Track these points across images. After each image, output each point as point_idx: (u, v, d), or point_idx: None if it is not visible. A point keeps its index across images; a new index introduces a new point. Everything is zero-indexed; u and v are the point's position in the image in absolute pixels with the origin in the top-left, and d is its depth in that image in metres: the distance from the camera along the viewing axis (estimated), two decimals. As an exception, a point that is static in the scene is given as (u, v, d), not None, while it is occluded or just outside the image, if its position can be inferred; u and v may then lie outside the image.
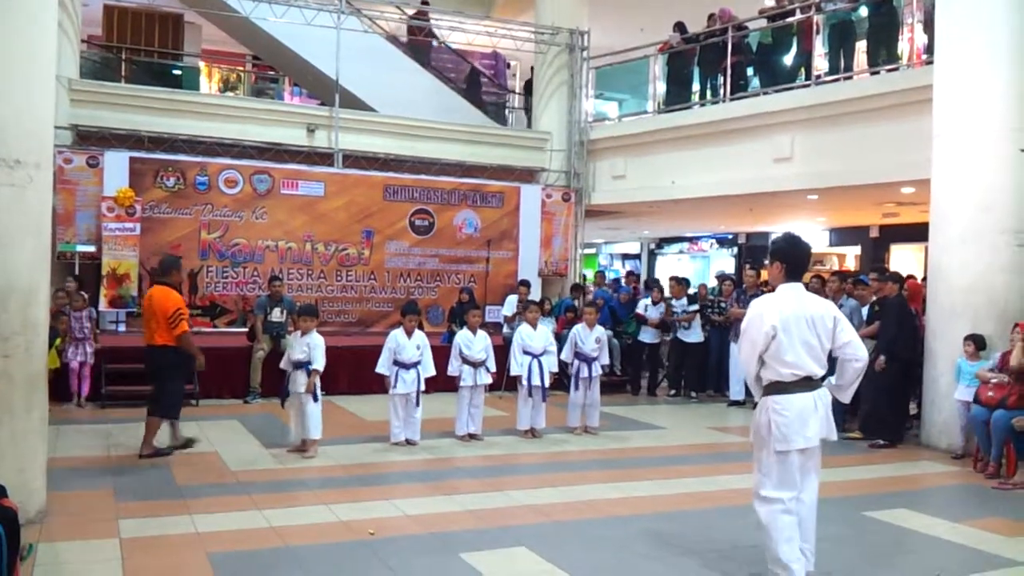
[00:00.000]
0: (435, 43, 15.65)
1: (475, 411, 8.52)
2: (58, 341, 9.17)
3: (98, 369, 9.75)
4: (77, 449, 7.50)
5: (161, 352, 7.27)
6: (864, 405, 9.05)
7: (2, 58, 5.09)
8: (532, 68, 15.45)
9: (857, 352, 4.51)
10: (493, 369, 8.69)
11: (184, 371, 7.84)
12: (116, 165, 11.39)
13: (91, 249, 11.17)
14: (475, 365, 8.47)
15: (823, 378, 4.56)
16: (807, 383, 4.45)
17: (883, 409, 8.84)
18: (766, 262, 4.99)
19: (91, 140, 11.74)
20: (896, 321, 8.77)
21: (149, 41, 15.00)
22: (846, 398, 4.70)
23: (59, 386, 9.25)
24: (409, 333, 8.14)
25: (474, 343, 8.50)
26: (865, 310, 9.41)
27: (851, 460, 8.09)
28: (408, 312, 8.28)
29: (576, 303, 12.24)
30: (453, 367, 8.47)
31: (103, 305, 10.98)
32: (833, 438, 4.59)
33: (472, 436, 8.45)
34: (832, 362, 4.63)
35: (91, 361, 9.69)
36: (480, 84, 16.17)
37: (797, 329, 4.41)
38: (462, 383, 8.46)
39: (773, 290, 4.69)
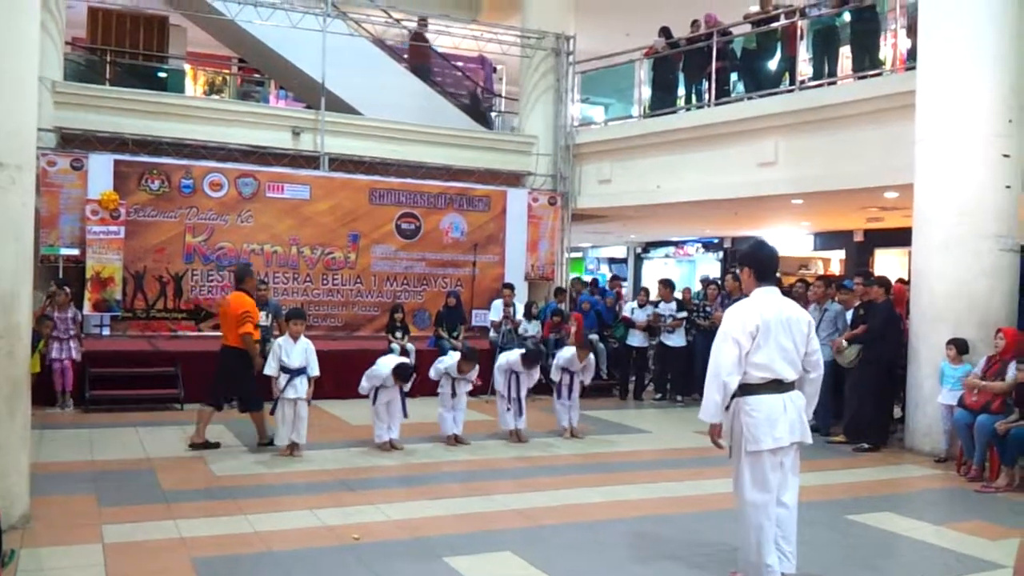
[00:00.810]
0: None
1: (458, 414, 8.50)
2: (41, 344, 9.10)
3: (82, 373, 9.68)
4: (60, 454, 7.45)
5: (235, 352, 7.79)
6: (848, 409, 9.11)
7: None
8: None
9: (819, 360, 4.69)
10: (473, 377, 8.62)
11: (252, 369, 7.92)
12: (100, 168, 11.33)
13: (75, 252, 11.11)
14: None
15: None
16: (777, 386, 4.50)
17: (867, 413, 8.88)
18: (736, 269, 5.06)
19: (75, 143, 11.67)
20: (882, 324, 8.81)
21: (134, 43, 14.94)
22: (809, 412, 4.70)
23: (41, 390, 9.18)
24: (295, 338, 7.86)
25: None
26: (849, 314, 9.46)
27: (835, 464, 8.13)
28: (292, 317, 7.98)
29: (561, 307, 12.27)
30: (435, 371, 8.54)
31: (87, 309, 10.91)
32: (808, 442, 4.63)
33: (457, 439, 8.43)
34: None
35: (76, 357, 9.60)
36: (479, 100, 16.14)
37: (774, 331, 4.48)
38: (441, 389, 8.50)
39: (747, 294, 4.75)
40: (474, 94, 16.15)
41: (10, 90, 5.25)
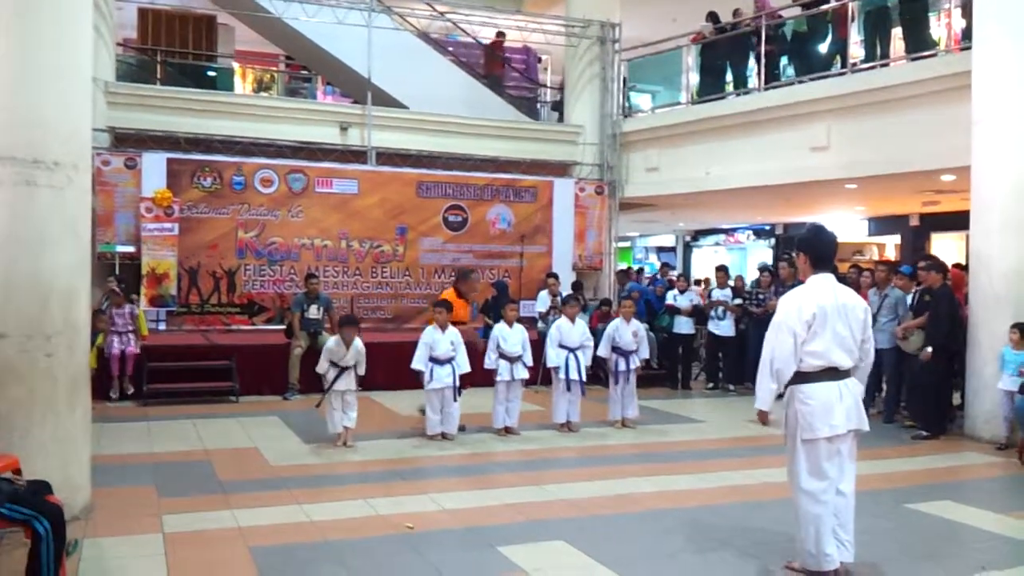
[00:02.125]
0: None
1: (512, 405, 8.50)
2: (99, 339, 9.33)
3: (139, 366, 9.89)
4: (120, 446, 7.61)
5: None
6: (912, 395, 8.96)
7: (39, 62, 5.15)
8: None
9: (871, 349, 4.62)
10: (530, 363, 8.66)
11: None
12: (154, 166, 11.54)
13: (130, 249, 11.33)
14: (512, 360, 8.45)
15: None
16: (832, 373, 4.44)
17: (929, 400, 8.70)
18: (792, 255, 4.99)
19: (128, 142, 11.90)
20: (947, 312, 8.60)
21: (183, 43, 15.16)
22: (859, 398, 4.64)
23: (100, 385, 9.40)
24: (443, 328, 8.15)
25: (510, 337, 8.48)
26: (908, 298, 9.27)
27: (892, 451, 7.98)
28: (345, 324, 8.05)
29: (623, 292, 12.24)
30: (490, 360, 8.46)
31: (143, 304, 11.13)
32: (864, 429, 4.56)
33: (509, 430, 8.45)
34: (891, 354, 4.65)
35: (136, 350, 9.85)
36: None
37: (831, 319, 4.41)
38: (499, 377, 8.43)
39: (803, 281, 4.69)
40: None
41: (66, 91, 5.34)
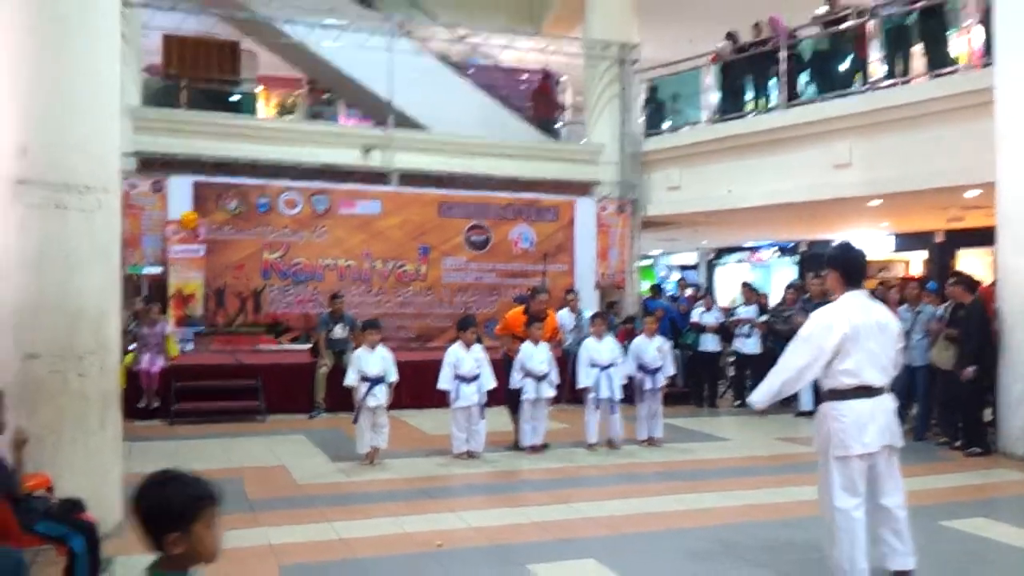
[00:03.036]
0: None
1: (538, 425, 8.46)
2: (128, 358, 9.41)
3: (167, 386, 9.96)
4: (149, 465, 7.57)
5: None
6: (945, 412, 8.86)
7: (69, 88, 5.24)
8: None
9: (898, 366, 4.58)
10: (557, 382, 8.63)
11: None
12: (180, 189, 11.69)
13: (158, 271, 11.46)
14: (538, 378, 8.42)
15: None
16: (866, 391, 4.41)
17: (966, 416, 8.61)
18: (822, 272, 4.97)
19: (154, 166, 12.06)
20: (979, 329, 8.51)
21: (208, 68, 15.38)
22: None
23: (128, 404, 9.46)
24: (468, 346, 8.18)
25: (535, 355, 8.46)
26: (941, 310, 9.20)
27: (924, 468, 7.87)
28: (466, 326, 8.31)
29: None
30: (515, 379, 8.43)
31: (171, 325, 11.22)
32: (898, 445, 4.52)
33: (535, 449, 8.42)
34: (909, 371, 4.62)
35: (163, 365, 9.99)
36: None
37: (863, 337, 4.38)
38: (524, 396, 8.39)
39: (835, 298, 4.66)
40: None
41: (96, 117, 5.43)
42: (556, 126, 16.00)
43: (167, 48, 15.11)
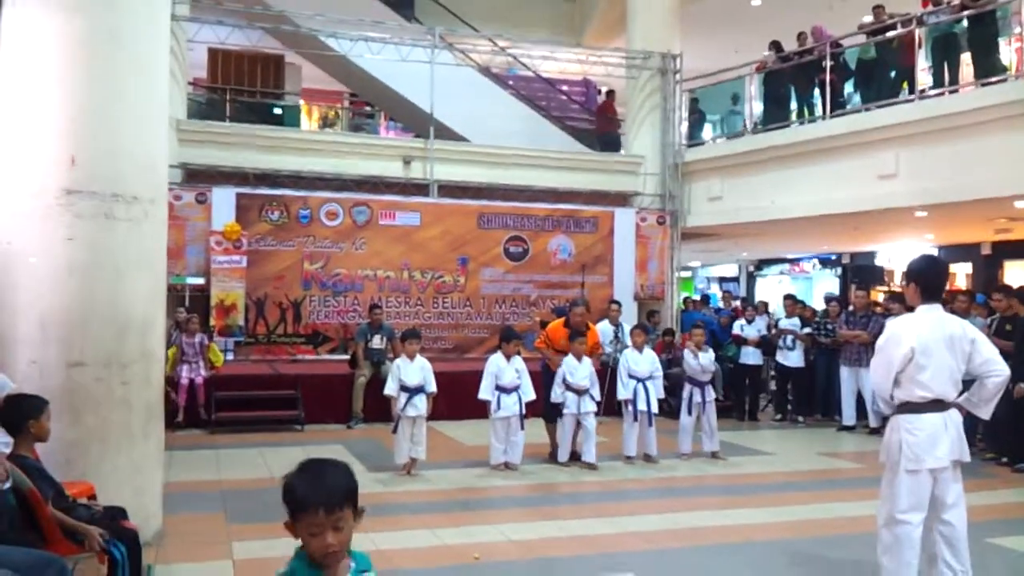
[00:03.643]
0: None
1: (587, 443, 8.26)
2: (167, 366, 9.50)
3: (208, 395, 10.07)
4: (189, 474, 7.72)
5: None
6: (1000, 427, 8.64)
7: (119, 100, 5.30)
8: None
9: (997, 367, 4.40)
10: (598, 398, 8.50)
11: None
12: (223, 201, 11.81)
13: (200, 281, 11.59)
14: (579, 392, 8.30)
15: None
16: (938, 404, 4.36)
17: (1018, 432, 8.39)
18: (903, 283, 4.90)
19: (199, 177, 12.22)
20: None
21: (252, 82, 15.61)
22: (986, 414, 4.56)
23: (167, 414, 9.57)
24: (508, 357, 8.16)
25: (578, 371, 8.32)
26: (987, 324, 9.01)
27: (971, 484, 7.63)
28: (509, 338, 8.30)
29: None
30: (556, 394, 8.32)
31: (215, 334, 11.34)
32: (966, 459, 4.44)
33: (591, 466, 8.22)
34: (968, 383, 4.48)
35: (205, 375, 10.09)
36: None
37: (935, 351, 4.33)
38: (566, 410, 8.26)
39: (912, 310, 4.61)
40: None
41: (144, 129, 5.50)
42: (615, 141, 15.99)
43: (212, 62, 15.36)
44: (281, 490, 2.17)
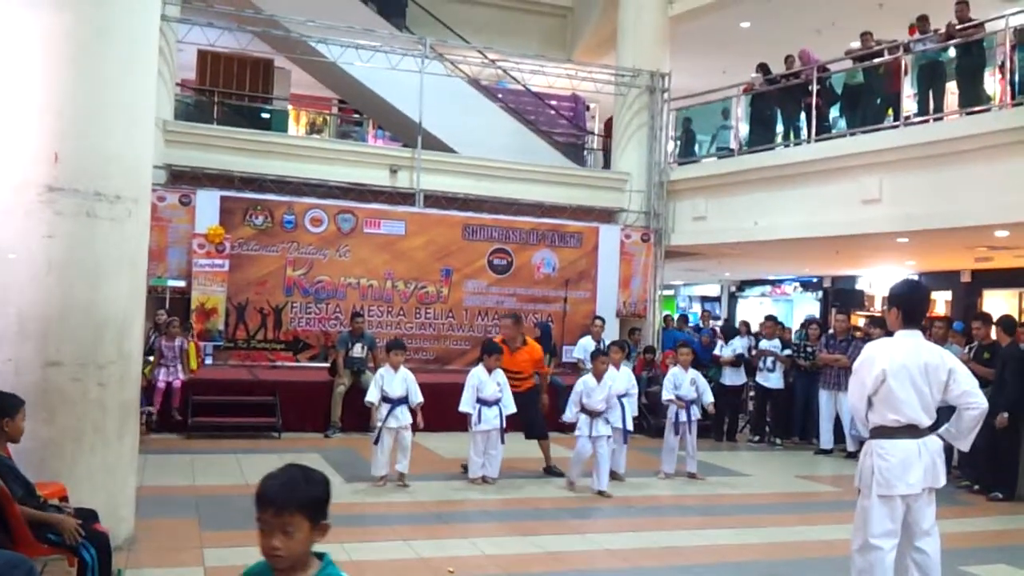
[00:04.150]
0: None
1: (600, 466, 7.86)
2: (147, 370, 9.43)
3: (185, 399, 9.97)
4: (163, 478, 7.64)
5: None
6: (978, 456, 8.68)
7: (105, 98, 5.27)
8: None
9: (974, 400, 4.39)
10: (616, 424, 8.15)
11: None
12: (207, 203, 11.74)
13: (181, 284, 11.49)
14: (593, 415, 7.91)
15: (933, 427, 4.43)
16: (912, 430, 4.36)
17: (997, 460, 8.44)
18: (885, 307, 4.93)
19: (184, 179, 12.14)
20: (1018, 373, 8.34)
21: (240, 85, 15.55)
22: (965, 446, 4.58)
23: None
24: (490, 371, 8.14)
25: (596, 391, 7.95)
26: (964, 351, 9.07)
27: (945, 511, 7.69)
28: (491, 352, 8.25)
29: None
30: (571, 414, 8.03)
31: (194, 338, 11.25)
32: (940, 485, 4.43)
33: (602, 493, 7.84)
34: (949, 411, 4.49)
35: (183, 378, 9.98)
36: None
37: (908, 376, 4.33)
38: (578, 432, 7.92)
39: (890, 334, 4.63)
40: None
41: (130, 128, 5.46)
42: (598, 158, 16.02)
43: (201, 64, 15.30)
44: (328, 493, 2.27)
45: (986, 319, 9.37)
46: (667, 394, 8.94)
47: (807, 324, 12.32)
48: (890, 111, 11.67)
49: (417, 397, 7.86)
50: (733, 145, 14.23)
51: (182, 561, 5.29)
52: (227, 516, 6.42)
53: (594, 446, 7.87)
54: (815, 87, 12.41)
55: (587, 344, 12.01)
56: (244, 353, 11.89)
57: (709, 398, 9.11)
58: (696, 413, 8.91)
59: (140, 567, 5.10)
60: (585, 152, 17.35)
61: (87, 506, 4.58)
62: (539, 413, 8.74)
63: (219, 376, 10.95)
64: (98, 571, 4.12)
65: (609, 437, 7.99)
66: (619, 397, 8.48)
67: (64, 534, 4.06)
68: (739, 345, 11.98)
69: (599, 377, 8.02)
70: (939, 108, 11.06)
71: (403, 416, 7.73)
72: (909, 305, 4.55)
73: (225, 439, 9.64)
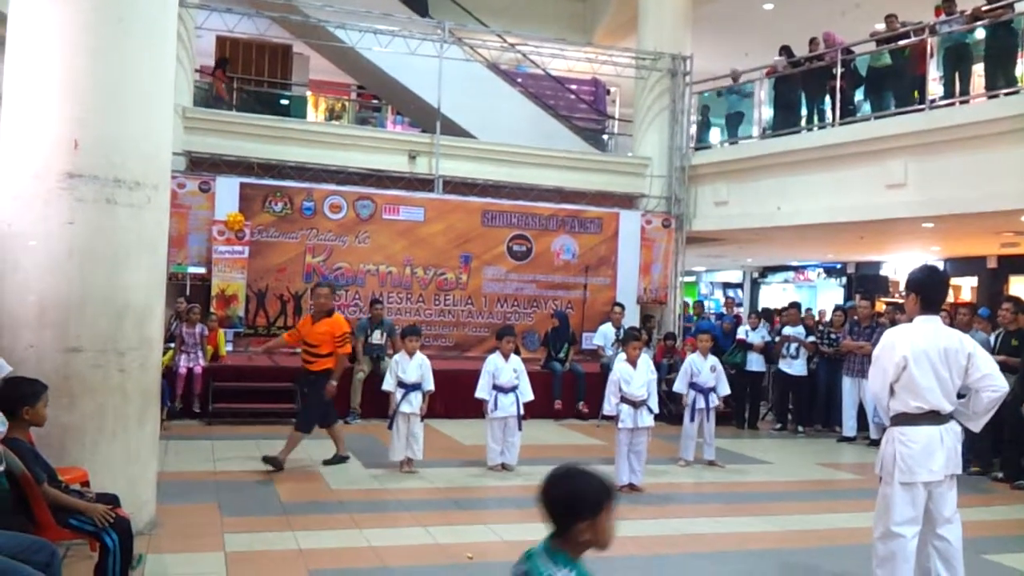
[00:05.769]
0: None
1: (635, 457, 7.51)
2: (167, 357, 9.48)
3: (206, 385, 10.02)
4: (184, 464, 7.69)
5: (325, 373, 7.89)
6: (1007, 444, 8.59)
7: (124, 85, 5.26)
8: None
9: (995, 383, 4.33)
10: (656, 410, 7.71)
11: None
12: (227, 190, 11.76)
13: (202, 271, 11.54)
14: (635, 404, 7.50)
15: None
16: (934, 416, 4.32)
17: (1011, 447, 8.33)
18: (903, 293, 4.86)
19: (203, 166, 12.17)
20: None
21: (259, 71, 15.58)
22: (977, 427, 4.51)
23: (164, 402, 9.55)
24: (506, 356, 8.11)
25: (634, 378, 7.50)
26: (991, 338, 8.94)
27: (972, 500, 7.62)
28: (504, 335, 8.22)
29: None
30: (610, 405, 7.56)
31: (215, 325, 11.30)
32: (958, 472, 4.39)
33: (634, 487, 7.47)
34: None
35: (204, 364, 10.09)
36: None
37: (928, 362, 4.29)
38: (620, 424, 7.47)
39: (910, 320, 4.56)
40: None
41: (149, 114, 5.46)
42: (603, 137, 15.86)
43: (220, 50, 15.33)
44: (582, 493, 2.33)
45: (1017, 302, 9.19)
46: (680, 383, 8.87)
47: (836, 311, 12.16)
48: (916, 94, 11.50)
49: (428, 384, 7.81)
50: (755, 130, 14.07)
51: (203, 546, 5.32)
52: (247, 502, 6.46)
53: (636, 437, 7.47)
54: (839, 70, 12.24)
55: (607, 331, 11.97)
56: (264, 340, 11.87)
57: (725, 390, 9.00)
58: (714, 400, 8.83)
59: (161, 552, 5.13)
60: (605, 136, 17.24)
61: (108, 491, 4.61)
62: (318, 403, 7.77)
63: (240, 363, 10.98)
64: (120, 556, 4.15)
65: (650, 428, 7.60)
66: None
67: (94, 517, 4.10)
68: (764, 331, 11.87)
69: (633, 363, 7.56)
70: (965, 91, 10.87)
71: (416, 402, 7.73)
72: (927, 291, 4.51)
73: (245, 425, 9.69)
